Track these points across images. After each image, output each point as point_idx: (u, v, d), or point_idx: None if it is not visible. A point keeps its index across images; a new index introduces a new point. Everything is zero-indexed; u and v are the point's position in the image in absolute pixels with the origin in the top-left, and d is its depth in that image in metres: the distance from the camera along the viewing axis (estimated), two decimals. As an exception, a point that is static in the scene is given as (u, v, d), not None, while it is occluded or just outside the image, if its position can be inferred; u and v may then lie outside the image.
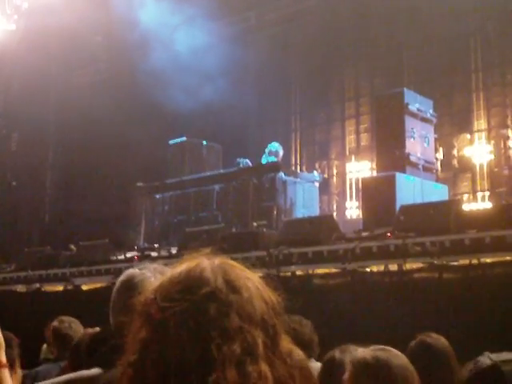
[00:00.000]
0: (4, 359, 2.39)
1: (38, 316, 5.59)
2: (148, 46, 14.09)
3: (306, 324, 4.13)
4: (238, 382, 0.98)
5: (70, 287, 11.05)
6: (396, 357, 2.04)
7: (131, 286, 2.08)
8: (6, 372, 2.39)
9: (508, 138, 12.65)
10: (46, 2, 16.18)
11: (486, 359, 2.26)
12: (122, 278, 2.19)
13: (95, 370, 1.98)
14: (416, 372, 3.50)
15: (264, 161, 11.92)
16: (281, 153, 12.15)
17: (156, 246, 11.52)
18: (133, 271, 2.15)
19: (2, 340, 2.39)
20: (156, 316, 1.03)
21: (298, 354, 1.10)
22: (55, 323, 5.15)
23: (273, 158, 11.83)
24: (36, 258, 12.22)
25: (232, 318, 1.01)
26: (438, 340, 3.64)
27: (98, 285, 10.35)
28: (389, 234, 7.93)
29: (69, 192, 17.49)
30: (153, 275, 2.05)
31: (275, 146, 12.15)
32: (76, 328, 5.11)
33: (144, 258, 9.94)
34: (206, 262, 1.09)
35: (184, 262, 1.11)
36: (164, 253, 10.50)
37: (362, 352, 2.07)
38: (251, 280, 1.09)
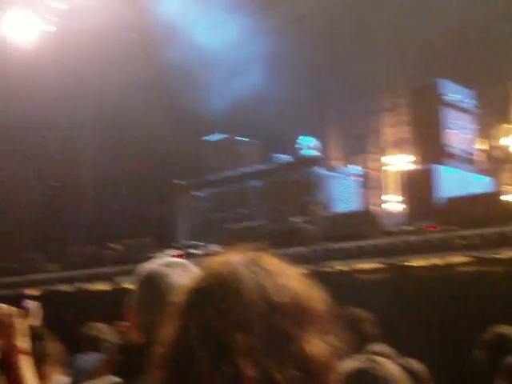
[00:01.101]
0: (25, 346, 2.32)
1: (83, 315, 5.71)
2: (182, 43, 14.12)
3: (367, 318, 3.96)
4: None
5: (114, 286, 11.19)
6: (381, 367, 1.97)
7: (153, 284, 2.06)
8: (26, 360, 2.31)
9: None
10: (79, 2, 16.32)
11: None
12: (141, 277, 2.14)
13: (116, 379, 1.96)
14: (495, 363, 3.44)
15: (302, 156, 11.88)
16: (318, 147, 12.10)
17: (198, 243, 11.57)
18: (152, 270, 2.11)
19: (26, 328, 2.33)
20: (177, 321, 1.07)
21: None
22: (85, 329, 5.47)
23: (311, 153, 11.79)
24: (80, 258, 12.41)
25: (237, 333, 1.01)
26: None
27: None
28: (432, 228, 7.87)
29: (108, 191, 17.66)
30: (173, 271, 2.04)
31: (312, 140, 12.10)
32: (106, 331, 5.36)
33: (187, 255, 10.00)
34: (234, 259, 1.10)
35: (213, 260, 1.13)
36: (206, 250, 10.56)
37: (348, 363, 2.00)
38: (282, 275, 1.08)
